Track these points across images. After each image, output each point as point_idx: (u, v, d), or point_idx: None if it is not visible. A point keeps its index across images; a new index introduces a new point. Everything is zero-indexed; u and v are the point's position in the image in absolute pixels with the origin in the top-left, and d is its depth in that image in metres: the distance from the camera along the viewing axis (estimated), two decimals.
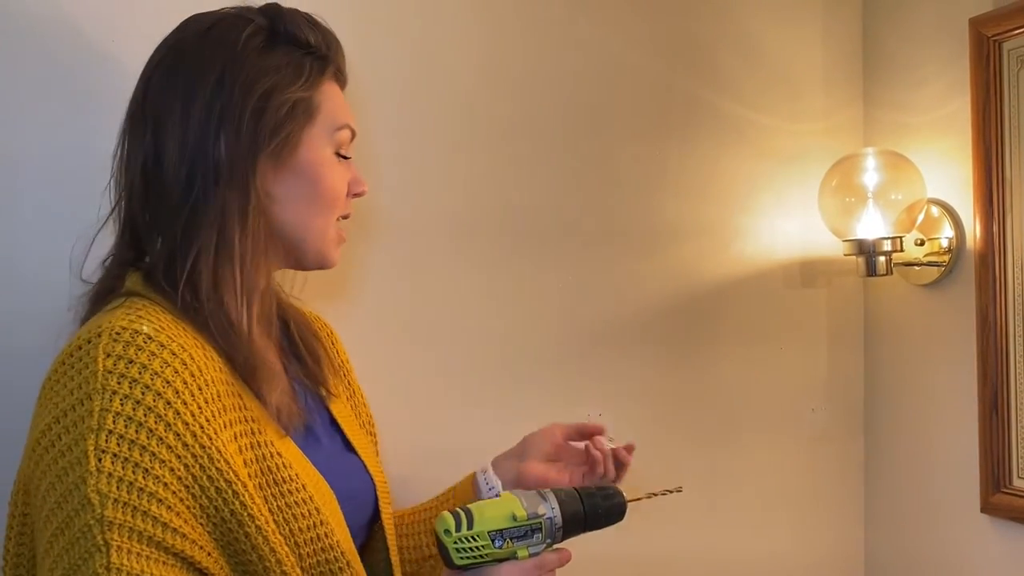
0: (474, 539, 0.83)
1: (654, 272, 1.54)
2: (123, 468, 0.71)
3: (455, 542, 0.83)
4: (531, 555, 0.86)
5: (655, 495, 0.97)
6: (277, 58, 0.88)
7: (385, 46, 1.33)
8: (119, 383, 0.73)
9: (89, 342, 0.75)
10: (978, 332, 1.44)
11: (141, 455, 0.72)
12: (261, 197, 0.86)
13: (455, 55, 1.38)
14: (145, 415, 0.73)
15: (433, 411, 1.37)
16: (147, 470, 0.72)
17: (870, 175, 1.51)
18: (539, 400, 1.44)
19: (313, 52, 0.91)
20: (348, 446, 1.01)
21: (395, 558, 1.02)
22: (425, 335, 1.37)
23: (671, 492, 0.99)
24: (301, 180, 0.89)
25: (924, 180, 1.51)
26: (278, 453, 0.83)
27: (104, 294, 0.87)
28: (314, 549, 0.83)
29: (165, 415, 0.73)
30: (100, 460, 0.71)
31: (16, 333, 1.08)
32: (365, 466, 1.00)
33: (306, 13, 0.93)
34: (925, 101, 1.57)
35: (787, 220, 1.63)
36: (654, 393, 1.54)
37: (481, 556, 0.84)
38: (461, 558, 0.84)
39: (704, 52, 1.57)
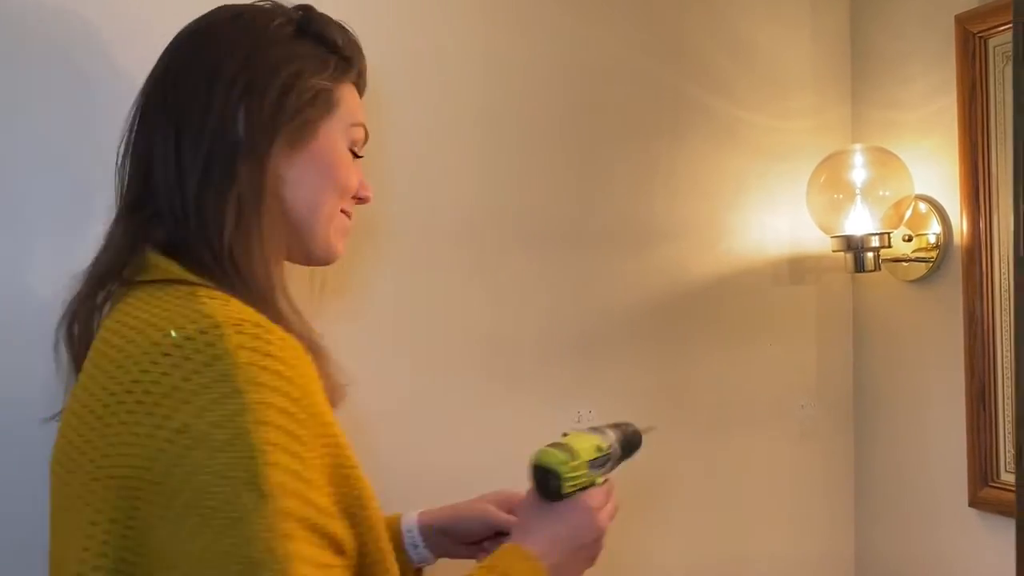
0: (578, 468, 0.91)
1: (644, 269, 1.54)
2: (289, 459, 0.71)
3: (570, 471, 0.90)
4: (603, 482, 0.95)
5: (651, 428, 1.05)
6: (305, 48, 0.90)
7: (377, 49, 1.32)
8: (265, 376, 0.72)
9: (204, 332, 0.72)
10: (965, 327, 1.45)
11: (300, 445, 0.73)
12: (273, 177, 0.85)
13: (444, 57, 1.38)
14: (295, 406, 0.73)
15: (427, 410, 1.37)
16: (304, 459, 0.73)
17: (858, 172, 1.52)
18: (530, 398, 1.44)
19: (338, 52, 0.92)
20: None
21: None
22: (417, 335, 1.37)
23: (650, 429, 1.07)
24: (315, 164, 0.89)
25: (912, 176, 1.51)
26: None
27: (123, 280, 0.83)
28: (373, 536, 0.83)
29: (309, 405, 0.74)
30: (270, 453, 0.70)
31: (16, 328, 1.08)
32: None
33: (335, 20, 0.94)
34: (912, 98, 1.58)
35: (776, 217, 1.64)
36: (644, 390, 1.54)
37: (578, 485, 0.91)
38: (569, 486, 0.90)
39: (694, 51, 1.58)
